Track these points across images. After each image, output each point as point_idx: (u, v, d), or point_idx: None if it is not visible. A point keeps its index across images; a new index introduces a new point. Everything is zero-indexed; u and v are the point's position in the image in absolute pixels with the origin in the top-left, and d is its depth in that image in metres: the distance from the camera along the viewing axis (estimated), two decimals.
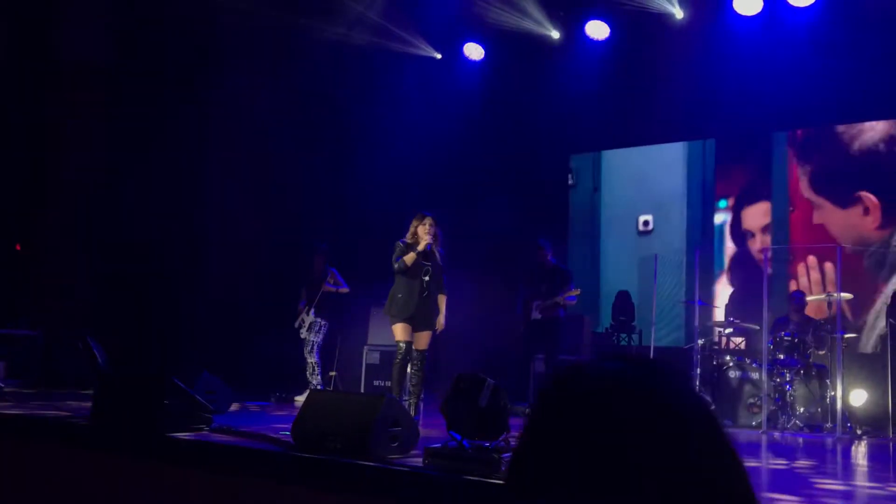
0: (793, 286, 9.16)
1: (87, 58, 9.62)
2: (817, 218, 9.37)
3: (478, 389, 4.31)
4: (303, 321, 8.69)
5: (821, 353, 7.67)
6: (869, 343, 8.75)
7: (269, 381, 9.08)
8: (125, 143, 9.92)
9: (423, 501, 3.81)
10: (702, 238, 9.97)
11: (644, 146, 10.72)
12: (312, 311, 8.63)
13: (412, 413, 5.78)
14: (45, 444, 5.19)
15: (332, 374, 9.23)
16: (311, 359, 8.60)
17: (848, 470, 5.58)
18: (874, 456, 6.27)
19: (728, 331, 8.66)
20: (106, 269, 9.86)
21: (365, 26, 10.10)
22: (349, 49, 10.12)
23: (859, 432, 7.09)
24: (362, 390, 8.64)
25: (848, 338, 7.62)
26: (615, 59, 9.91)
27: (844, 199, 9.17)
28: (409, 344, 6.29)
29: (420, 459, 4.24)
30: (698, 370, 7.92)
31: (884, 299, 8.57)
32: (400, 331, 6.31)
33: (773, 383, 7.49)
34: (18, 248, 10.45)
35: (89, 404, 5.57)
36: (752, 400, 7.72)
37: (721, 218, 10.06)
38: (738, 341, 8.91)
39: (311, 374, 8.58)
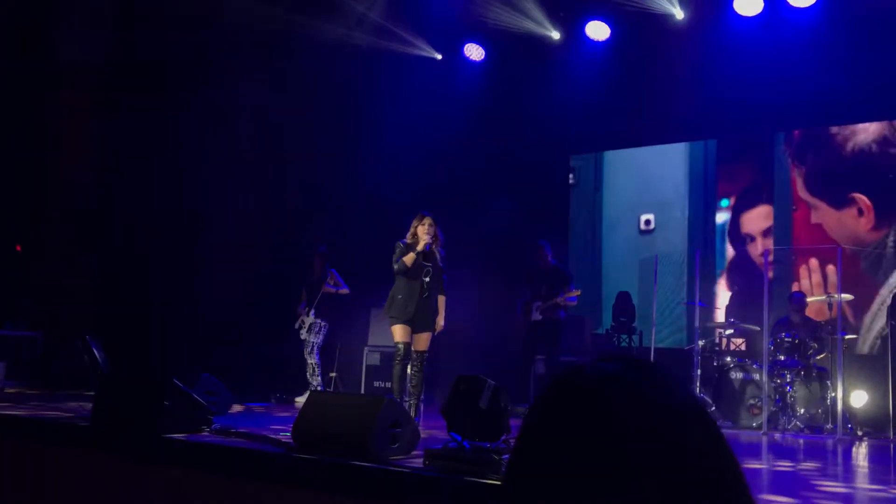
0: (795, 288, 9.14)
1: (87, 58, 9.61)
2: (815, 218, 9.37)
3: (478, 391, 4.30)
4: (303, 322, 8.68)
5: (819, 357, 7.67)
6: (865, 344, 8.74)
7: (270, 383, 9.08)
8: (124, 143, 9.92)
9: (423, 503, 3.80)
10: (703, 237, 9.96)
11: (645, 146, 10.71)
12: (312, 312, 8.62)
13: (412, 414, 5.78)
14: (45, 444, 5.18)
15: (333, 375, 9.23)
16: (312, 360, 8.59)
17: (849, 471, 5.57)
18: (875, 457, 6.26)
19: (729, 332, 8.66)
20: (106, 269, 9.85)
21: (366, 27, 10.09)
22: (350, 49, 10.11)
23: (860, 433, 7.09)
24: (362, 391, 8.64)
25: (848, 339, 7.61)
26: (616, 59, 9.90)
27: (839, 201, 9.17)
28: (407, 345, 6.28)
29: (420, 460, 4.24)
30: (699, 371, 7.91)
31: (880, 301, 8.56)
32: (399, 332, 6.30)
33: (773, 384, 7.48)
34: (18, 248, 10.45)
35: (89, 405, 5.56)
36: (752, 401, 7.72)
37: (723, 217, 10.04)
38: (739, 342, 8.90)
39: (312, 376, 8.57)
